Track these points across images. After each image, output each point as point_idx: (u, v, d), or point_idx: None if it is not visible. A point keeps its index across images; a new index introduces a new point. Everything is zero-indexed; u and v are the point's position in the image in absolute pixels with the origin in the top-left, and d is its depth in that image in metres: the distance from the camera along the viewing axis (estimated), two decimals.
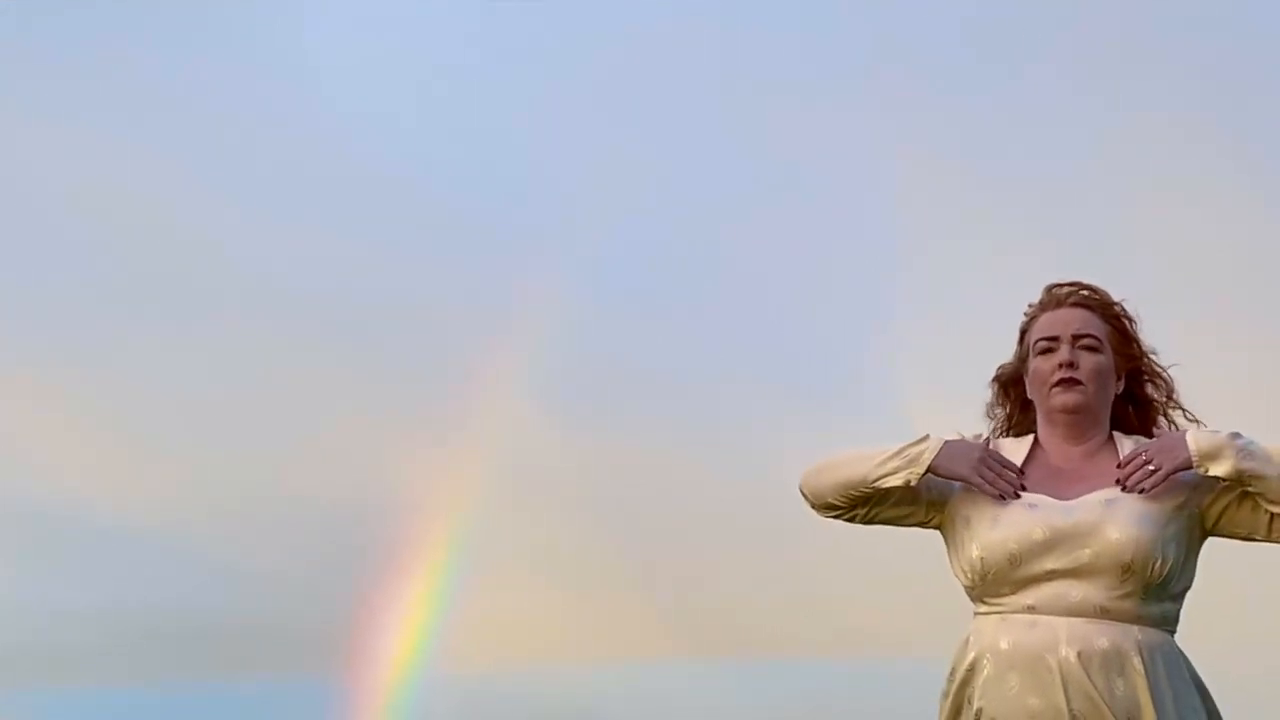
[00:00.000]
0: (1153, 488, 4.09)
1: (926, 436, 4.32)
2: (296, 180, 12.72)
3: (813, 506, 4.44)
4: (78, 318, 12.70)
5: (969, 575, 4.17)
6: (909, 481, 4.27)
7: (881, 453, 4.32)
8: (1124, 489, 4.11)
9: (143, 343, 12.72)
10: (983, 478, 4.21)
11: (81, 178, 12.64)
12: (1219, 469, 4.06)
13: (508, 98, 12.86)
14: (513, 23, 12.83)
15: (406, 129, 12.96)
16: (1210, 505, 4.15)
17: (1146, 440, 4.29)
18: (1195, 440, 4.10)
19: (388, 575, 11.89)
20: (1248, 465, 4.05)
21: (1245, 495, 4.12)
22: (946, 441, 4.30)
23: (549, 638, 12.55)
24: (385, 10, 13.04)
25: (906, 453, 4.29)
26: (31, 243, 12.81)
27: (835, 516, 4.42)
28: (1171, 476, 4.14)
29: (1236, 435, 4.09)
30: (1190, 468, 4.09)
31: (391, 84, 12.88)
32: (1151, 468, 4.10)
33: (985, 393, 4.55)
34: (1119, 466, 4.16)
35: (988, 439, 4.36)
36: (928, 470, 4.27)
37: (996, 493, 4.19)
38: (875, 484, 4.29)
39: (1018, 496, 4.18)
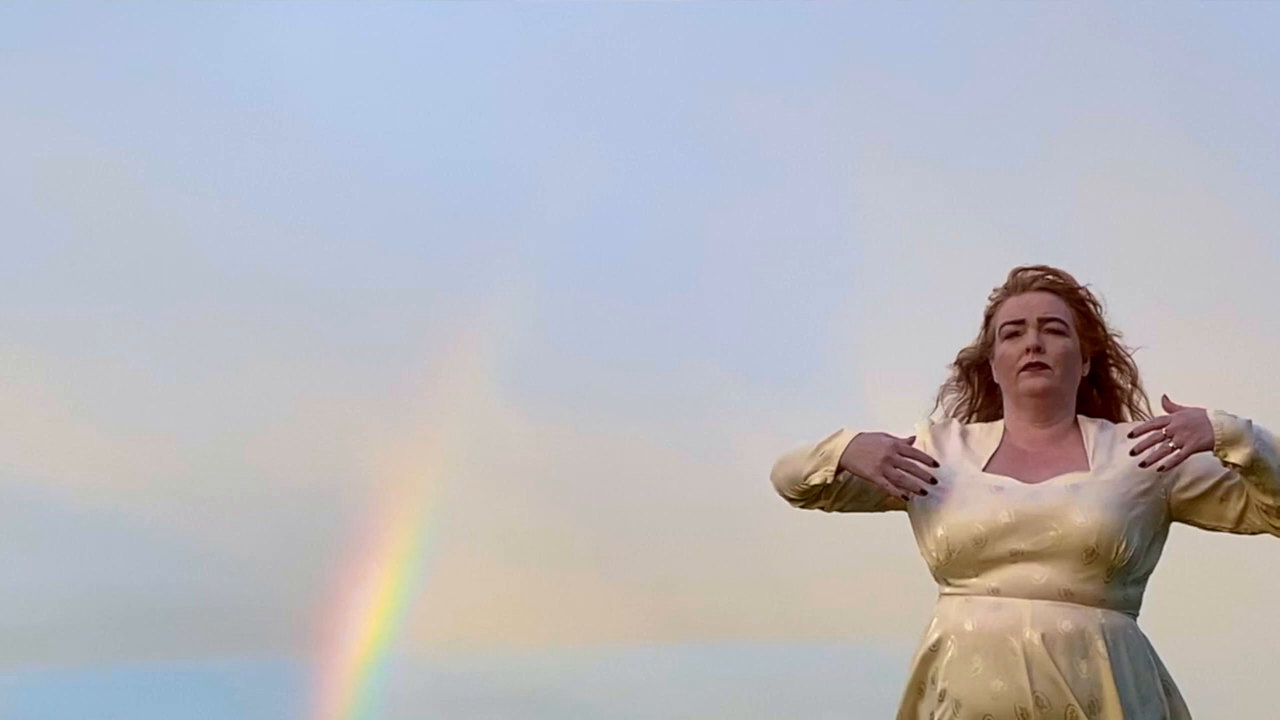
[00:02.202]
0: (1172, 466, 4.04)
1: (840, 431, 4.31)
2: (264, 169, 12.75)
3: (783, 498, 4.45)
4: (47, 304, 12.70)
5: (934, 555, 4.18)
6: (825, 480, 4.27)
7: (810, 448, 4.32)
8: (1142, 464, 4.04)
9: (111, 328, 12.72)
10: (887, 477, 4.18)
11: (52, 165, 12.65)
12: (1236, 455, 3.99)
13: (475, 89, 12.91)
14: (481, 14, 12.90)
15: (374, 119, 12.98)
16: (1179, 493, 4.17)
17: (1109, 422, 4.32)
18: (1219, 423, 4.01)
19: (355, 558, 11.89)
20: (1262, 455, 4.00)
21: (1216, 486, 4.14)
22: (857, 436, 4.27)
23: (514, 621, 12.58)
24: (354, 2, 13.11)
25: (823, 449, 4.28)
26: (2, 230, 12.83)
27: (802, 507, 4.42)
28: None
29: (1250, 422, 4.03)
30: (1210, 449, 4.01)
31: (360, 75, 12.92)
32: (1172, 445, 4.02)
33: (942, 380, 4.53)
34: (1130, 436, 4.09)
35: (911, 438, 4.30)
36: (842, 468, 4.26)
37: (900, 493, 4.18)
38: (805, 481, 4.29)
39: (923, 493, 4.17)
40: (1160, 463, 4.02)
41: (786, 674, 12.15)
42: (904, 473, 4.18)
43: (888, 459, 4.19)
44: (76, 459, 12.87)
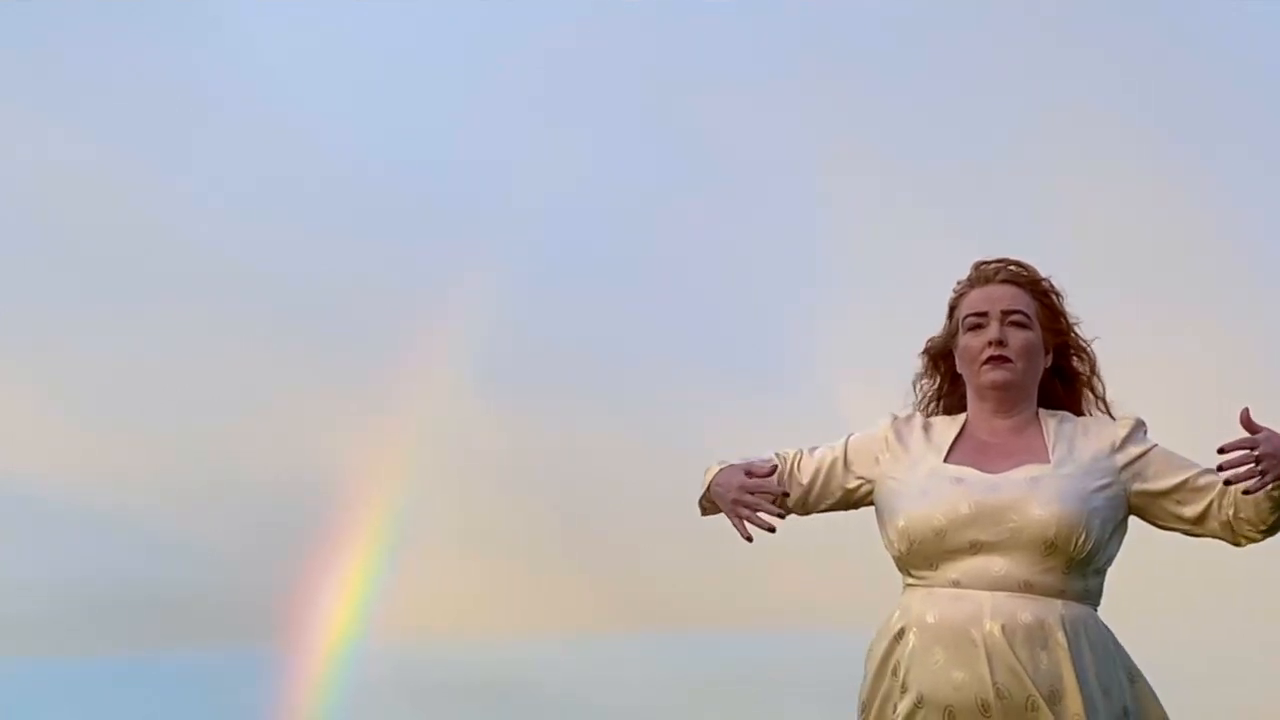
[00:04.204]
0: (1256, 490, 4.02)
1: (709, 467, 4.36)
2: (238, 162, 12.73)
3: None
4: (22, 297, 12.69)
5: (896, 546, 4.19)
6: (704, 513, 4.37)
7: None
8: (1226, 483, 4.02)
9: (83, 320, 12.69)
10: (739, 517, 4.21)
11: (27, 158, 12.65)
12: None
13: (444, 85, 12.92)
14: (449, 12, 12.92)
15: (345, 113, 12.98)
16: (1140, 489, 4.19)
17: (1071, 414, 4.33)
18: None
19: (325, 549, 11.86)
20: None
21: (1178, 487, 4.16)
22: (719, 471, 4.31)
23: (482, 610, 12.58)
24: (330, 1, 13.13)
25: (704, 480, 4.36)
26: None
27: None
28: (1098, 455, 4.19)
29: None
30: None
31: (333, 71, 12.90)
32: (1261, 469, 3.98)
33: (904, 372, 4.54)
34: (1220, 451, 4.01)
35: (774, 467, 4.31)
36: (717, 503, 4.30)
37: (746, 535, 4.19)
38: None
39: (772, 530, 4.18)
40: (1246, 485, 4.00)
41: (752, 662, 12.18)
42: (751, 512, 4.20)
43: (736, 500, 4.23)
44: (50, 451, 12.86)
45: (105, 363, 12.64)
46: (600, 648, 12.52)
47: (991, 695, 4.00)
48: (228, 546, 12.51)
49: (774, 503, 4.24)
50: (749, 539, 4.21)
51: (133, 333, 12.67)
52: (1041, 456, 4.20)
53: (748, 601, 11.76)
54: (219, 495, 12.52)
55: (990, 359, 4.28)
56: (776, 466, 4.34)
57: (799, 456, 4.47)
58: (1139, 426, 4.28)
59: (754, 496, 4.21)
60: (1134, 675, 4.19)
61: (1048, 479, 4.14)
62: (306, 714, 11.92)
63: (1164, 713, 4.22)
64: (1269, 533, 4.14)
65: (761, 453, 4.51)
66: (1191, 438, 4.32)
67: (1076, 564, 4.09)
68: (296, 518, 12.17)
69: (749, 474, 4.28)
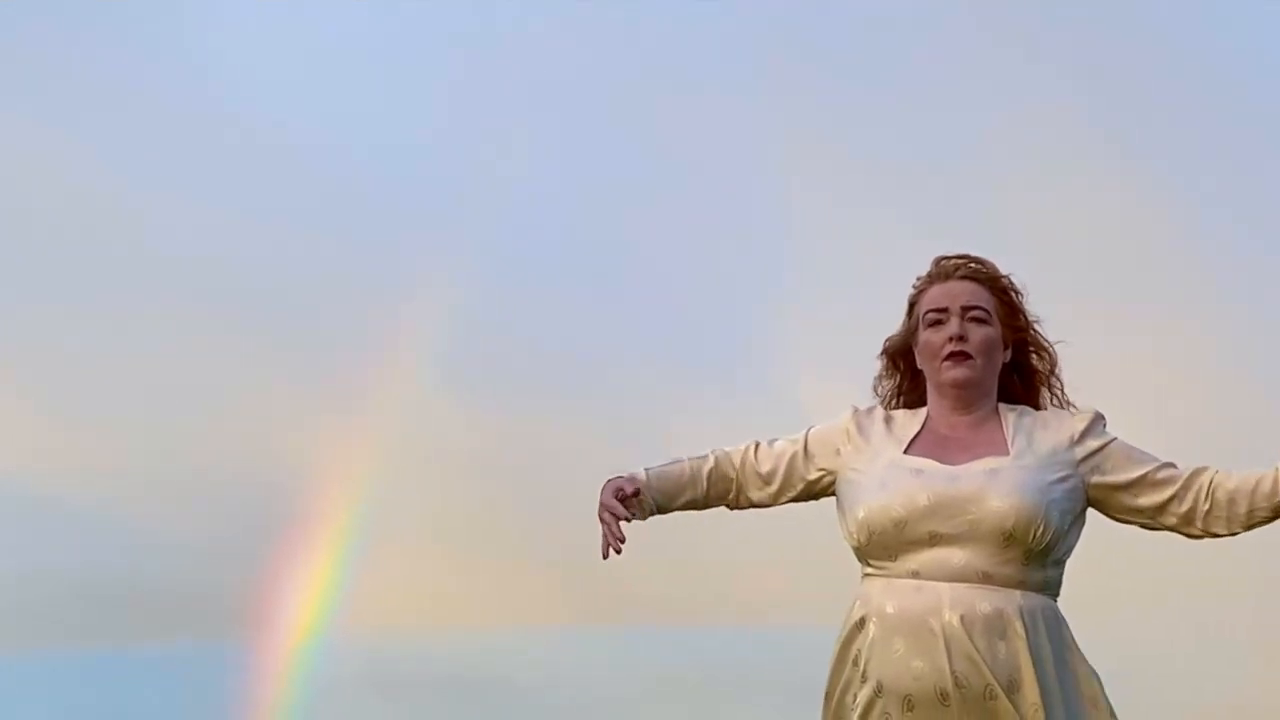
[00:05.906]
0: None
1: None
2: (205, 158, 12.69)
3: None
4: None
5: (856, 537, 4.19)
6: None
7: None
8: None
9: (54, 314, 12.63)
10: (602, 534, 4.27)
11: None
12: None
13: (410, 80, 12.94)
14: (415, 7, 12.96)
15: (311, 109, 12.96)
16: (1097, 482, 4.22)
17: (1030, 408, 4.36)
18: None
19: (293, 543, 11.83)
20: None
21: (1136, 481, 4.20)
22: (607, 482, 4.38)
23: (448, 604, 12.54)
24: None
25: None
26: None
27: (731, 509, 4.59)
28: (1057, 447, 4.20)
29: None
30: None
31: (297, 66, 12.90)
32: None
33: (868, 369, 4.55)
34: None
35: (637, 490, 4.38)
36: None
37: (603, 551, 4.26)
38: None
39: (619, 552, 4.23)
40: None
41: (721, 656, 12.17)
42: (607, 530, 4.27)
43: (600, 517, 4.31)
44: (18, 444, 12.81)
45: (75, 358, 12.62)
46: (568, 642, 12.52)
47: (950, 684, 4.02)
48: (196, 541, 12.48)
49: (624, 521, 4.31)
50: (605, 556, 4.27)
51: (103, 329, 12.66)
52: (1001, 449, 4.22)
53: (716, 596, 11.77)
54: (188, 490, 12.49)
55: (951, 355, 4.30)
56: (640, 491, 4.39)
57: (754, 449, 4.52)
58: (1098, 420, 4.32)
59: (609, 516, 4.28)
60: (1088, 666, 4.23)
61: (1006, 471, 4.16)
62: (274, 707, 11.92)
63: (1110, 705, 4.26)
64: (1241, 533, 4.19)
65: (698, 450, 4.61)
66: (1146, 436, 4.36)
67: (1035, 555, 4.11)
68: (265, 512, 12.16)
69: (619, 491, 4.35)
